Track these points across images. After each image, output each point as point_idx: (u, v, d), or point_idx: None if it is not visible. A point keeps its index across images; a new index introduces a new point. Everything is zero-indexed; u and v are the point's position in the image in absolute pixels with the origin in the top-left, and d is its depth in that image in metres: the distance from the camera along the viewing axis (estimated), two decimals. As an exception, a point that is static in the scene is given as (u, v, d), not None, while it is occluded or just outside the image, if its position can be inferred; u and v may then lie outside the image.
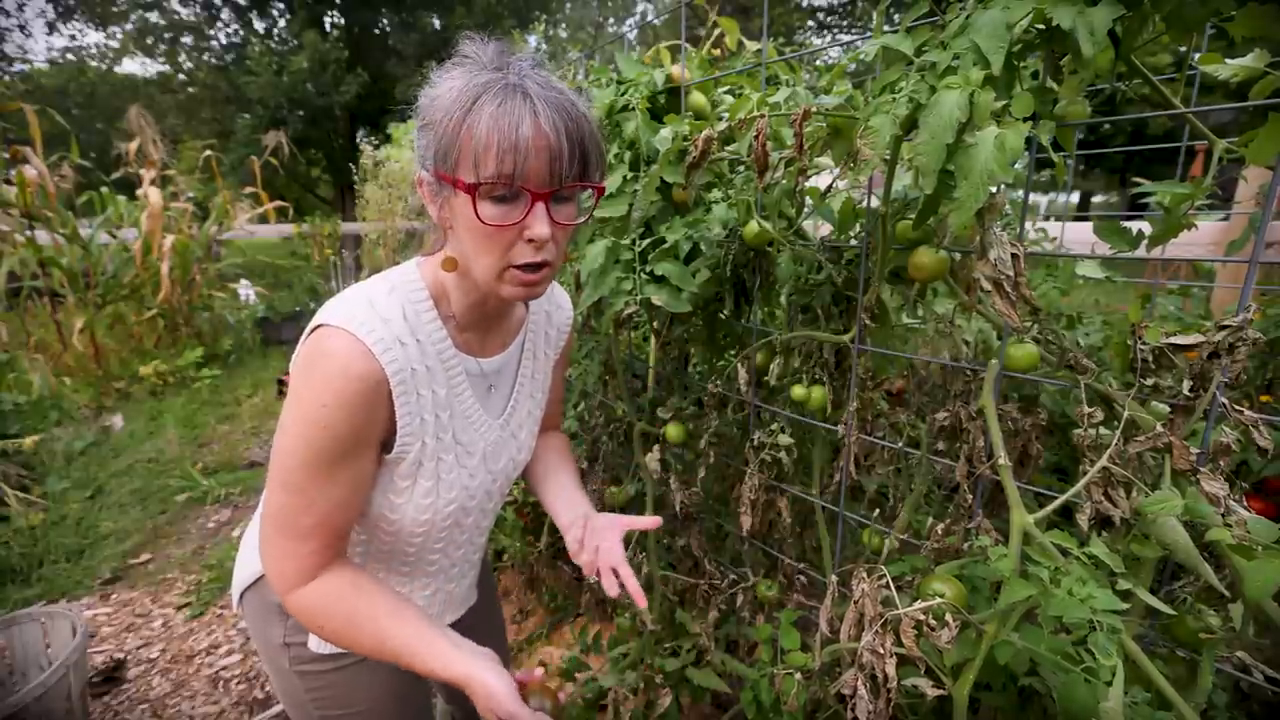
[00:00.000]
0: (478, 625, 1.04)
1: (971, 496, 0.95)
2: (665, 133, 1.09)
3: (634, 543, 1.37)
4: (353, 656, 0.89)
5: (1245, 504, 0.69)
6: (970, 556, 0.84)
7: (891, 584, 0.77)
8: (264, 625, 0.89)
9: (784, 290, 1.17)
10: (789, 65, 1.20)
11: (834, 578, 0.98)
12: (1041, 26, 0.65)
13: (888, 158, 0.78)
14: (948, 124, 0.62)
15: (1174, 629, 0.76)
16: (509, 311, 0.88)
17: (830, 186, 1.18)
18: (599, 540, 0.91)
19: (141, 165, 5.59)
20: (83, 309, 4.79)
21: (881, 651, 0.73)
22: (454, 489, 0.83)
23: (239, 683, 2.02)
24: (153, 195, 5.25)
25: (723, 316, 1.30)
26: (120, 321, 5.23)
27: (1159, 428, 0.71)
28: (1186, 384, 0.72)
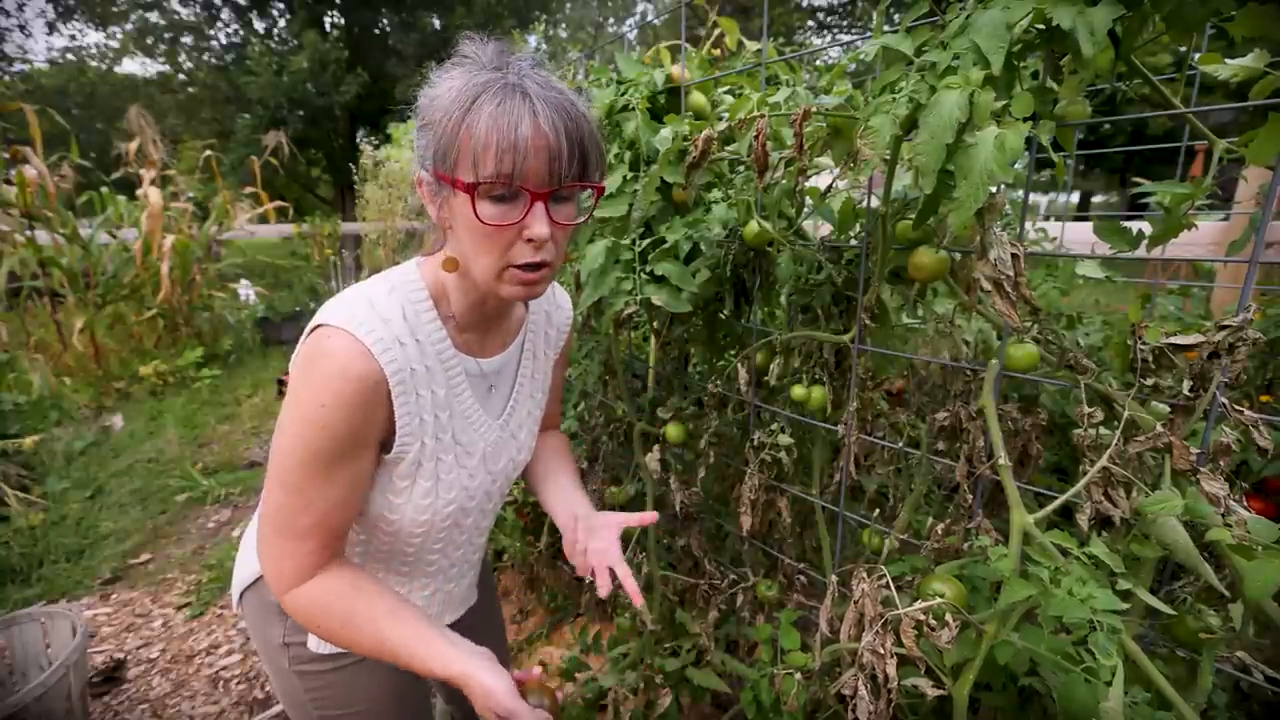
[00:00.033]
0: (477, 625, 1.04)
1: (971, 496, 0.95)
2: (665, 133, 1.09)
3: (634, 542, 1.37)
4: (352, 657, 0.89)
5: (1245, 504, 0.69)
6: (970, 556, 0.84)
7: (891, 584, 0.77)
8: (263, 625, 0.89)
9: (784, 290, 1.17)
10: (789, 65, 1.20)
11: (834, 578, 0.98)
12: (1041, 26, 0.65)
13: (888, 158, 0.78)
14: (948, 124, 0.62)
15: (1174, 629, 0.76)
16: (509, 311, 0.88)
17: (830, 186, 1.18)
18: (595, 540, 0.91)
19: (141, 165, 5.59)
20: (83, 309, 4.79)
21: (882, 652, 0.73)
22: (453, 489, 0.83)
23: (239, 683, 2.02)
24: (153, 195, 5.25)
25: (723, 316, 1.30)
26: (120, 321, 5.23)
27: (1159, 428, 0.71)
28: (1186, 384, 0.72)
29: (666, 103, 1.22)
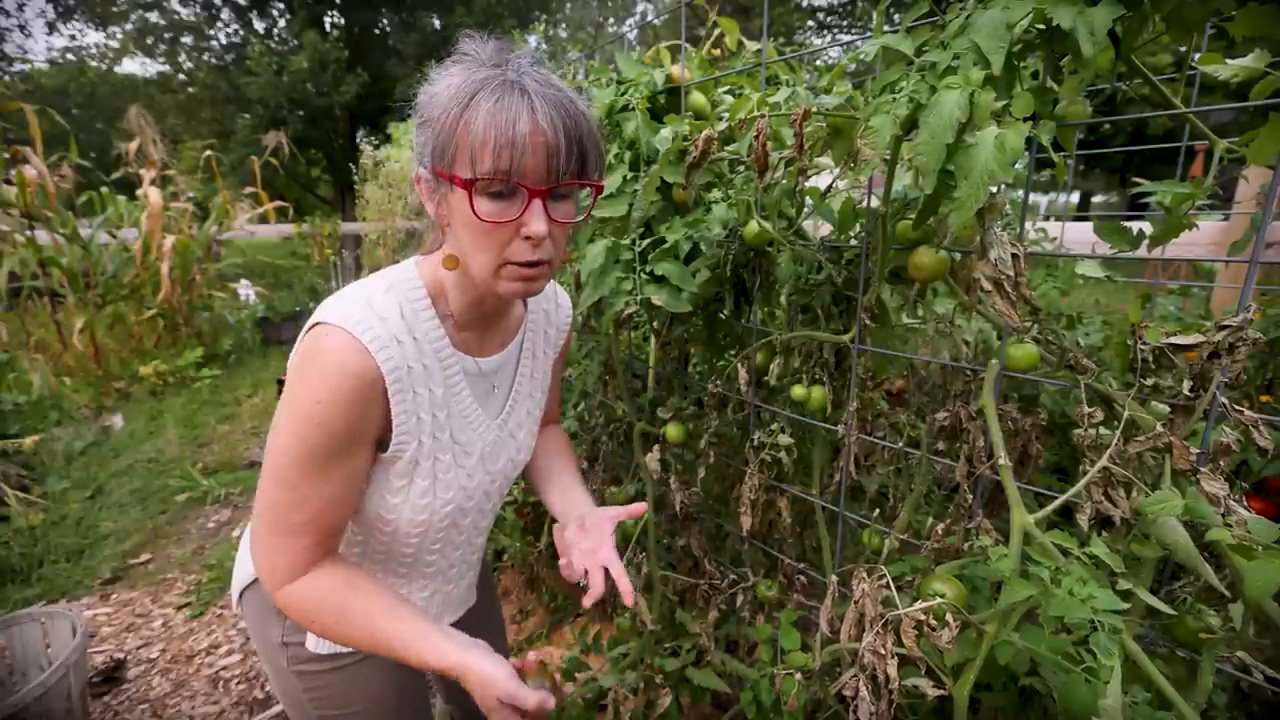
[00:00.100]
0: (477, 626, 1.04)
1: (971, 496, 0.95)
2: (665, 133, 1.09)
3: (634, 542, 1.37)
4: (351, 657, 0.89)
5: (1245, 504, 0.69)
6: (970, 556, 0.84)
7: (892, 584, 0.77)
8: (263, 625, 0.89)
9: (784, 290, 1.17)
10: (789, 65, 1.20)
11: (834, 578, 0.98)
12: (1041, 26, 0.65)
13: (888, 158, 0.78)
14: (948, 124, 0.62)
15: (1174, 629, 0.76)
16: (507, 310, 0.88)
17: (830, 186, 1.18)
18: (586, 539, 0.90)
19: (141, 165, 5.59)
20: (83, 309, 4.79)
21: (883, 652, 0.73)
22: (451, 489, 0.82)
23: (239, 683, 2.02)
24: (153, 195, 5.25)
25: (723, 316, 1.30)
26: (120, 321, 5.23)
27: (1159, 428, 0.71)
28: (1186, 384, 0.72)
29: (666, 103, 1.22)
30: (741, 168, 1.21)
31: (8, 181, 4.32)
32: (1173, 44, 0.74)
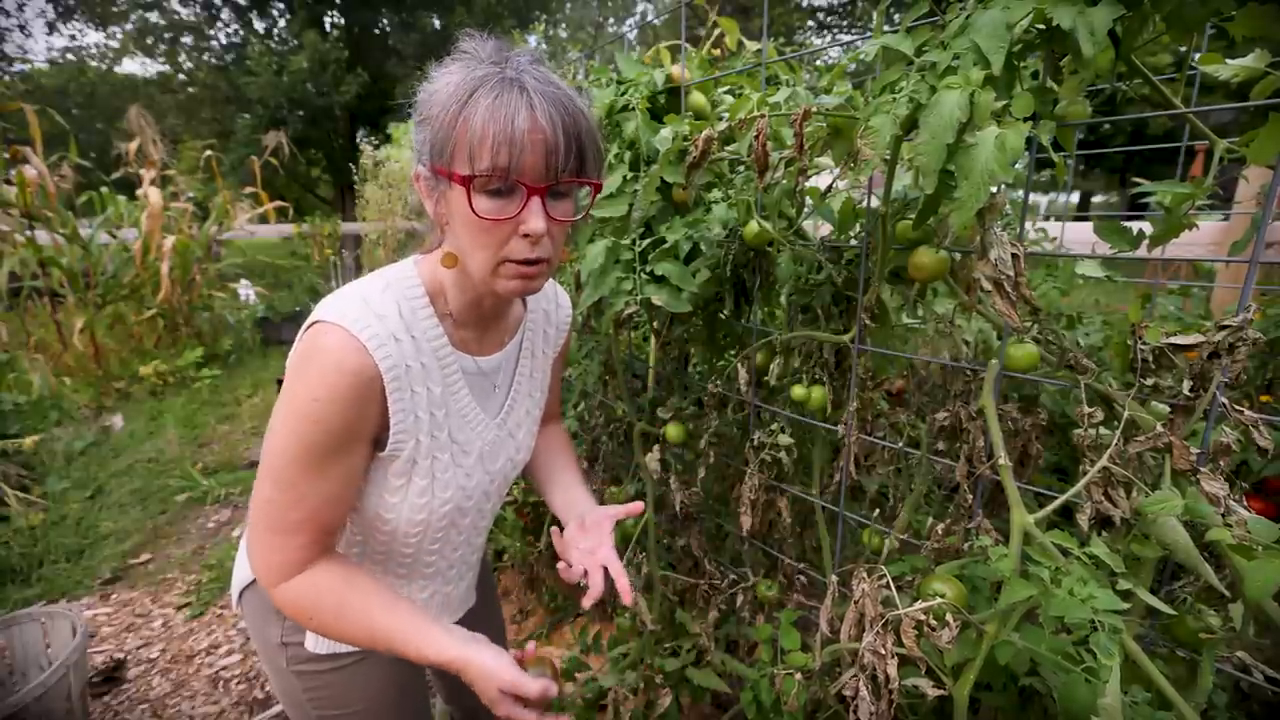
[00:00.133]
0: (477, 627, 1.03)
1: (971, 496, 0.95)
2: (665, 133, 1.09)
3: (634, 542, 1.37)
4: (350, 657, 0.89)
5: (1245, 504, 0.69)
6: (970, 556, 0.84)
7: (892, 584, 0.77)
8: (262, 624, 0.89)
9: (784, 290, 1.17)
10: (789, 65, 1.20)
11: (834, 578, 0.98)
12: (1041, 26, 0.65)
13: (888, 158, 0.78)
14: (948, 124, 0.62)
15: (1174, 629, 0.76)
16: (506, 309, 0.88)
17: (830, 186, 1.18)
18: (588, 541, 0.90)
19: (141, 165, 5.59)
20: (83, 309, 4.79)
21: (883, 652, 0.73)
22: (449, 488, 0.82)
23: (239, 683, 2.02)
24: (153, 195, 5.25)
25: (723, 316, 1.30)
26: (120, 321, 5.23)
27: (1159, 428, 0.71)
28: (1186, 384, 0.72)
29: (666, 103, 1.22)
30: (741, 168, 1.21)
31: (8, 181, 4.32)
32: (1173, 44, 0.74)
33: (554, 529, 0.94)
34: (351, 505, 0.78)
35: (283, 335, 6.24)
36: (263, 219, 7.37)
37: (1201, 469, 0.70)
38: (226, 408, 4.54)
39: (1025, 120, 0.63)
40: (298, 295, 7.25)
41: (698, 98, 1.20)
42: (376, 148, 5.94)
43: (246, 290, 6.85)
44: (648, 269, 1.08)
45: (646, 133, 1.11)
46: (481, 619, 1.10)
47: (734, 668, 1.30)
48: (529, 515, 2.21)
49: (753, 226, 1.06)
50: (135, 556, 2.71)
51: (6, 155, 4.39)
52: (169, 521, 3.01)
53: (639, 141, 1.11)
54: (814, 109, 0.88)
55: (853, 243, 1.07)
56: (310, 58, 15.51)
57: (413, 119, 0.73)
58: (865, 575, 0.80)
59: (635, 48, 1.72)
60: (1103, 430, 0.78)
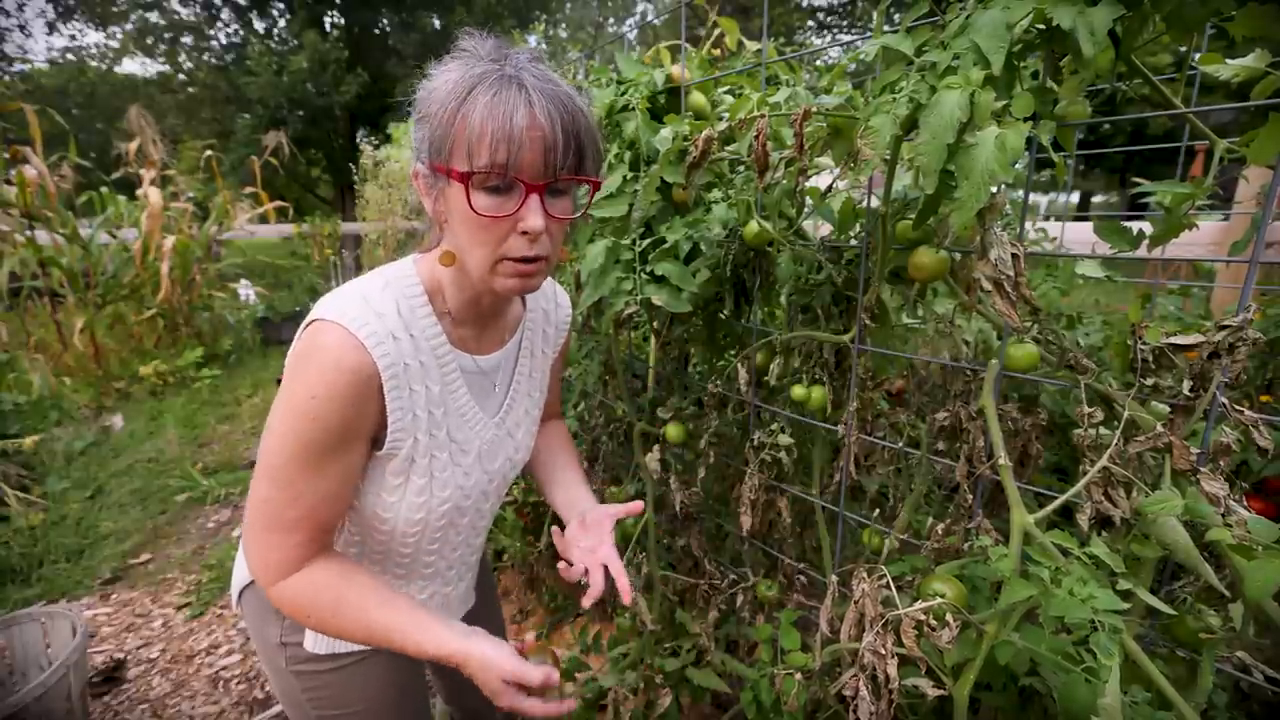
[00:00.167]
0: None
1: (971, 496, 0.95)
2: (665, 133, 1.09)
3: (634, 542, 1.37)
4: (350, 657, 0.89)
5: (1245, 504, 0.69)
6: (970, 556, 0.84)
7: (892, 584, 0.77)
8: (261, 624, 0.89)
9: (784, 290, 1.17)
10: (789, 65, 1.20)
11: (834, 578, 0.98)
12: (1042, 26, 0.65)
13: (888, 158, 0.78)
14: (948, 124, 0.62)
15: (1174, 629, 0.76)
16: (505, 308, 0.88)
17: (830, 186, 1.18)
18: (588, 540, 0.90)
19: (141, 165, 5.59)
20: (83, 309, 4.79)
21: (883, 652, 0.73)
22: (448, 488, 0.82)
23: (239, 683, 2.02)
24: (153, 195, 5.25)
25: (723, 316, 1.30)
26: (120, 321, 5.23)
27: (1159, 428, 0.71)
28: (1186, 384, 0.72)
29: (666, 103, 1.22)
30: (741, 168, 1.21)
31: (8, 181, 4.32)
32: (1173, 44, 0.74)
33: (555, 528, 0.94)
34: (349, 504, 0.78)
35: (283, 335, 6.24)
36: (263, 219, 7.37)
37: (1201, 469, 0.70)
38: (226, 408, 4.54)
39: (1025, 120, 0.63)
40: (298, 295, 7.25)
41: (698, 98, 1.20)
42: (376, 148, 5.94)
43: (246, 290, 6.85)
44: (648, 269, 1.08)
45: (646, 133, 1.11)
46: (481, 619, 1.09)
47: (734, 668, 1.30)
48: (529, 515, 2.21)
49: (753, 226, 1.06)
50: (135, 556, 2.71)
51: (6, 155, 4.39)
52: (169, 521, 3.01)
53: (639, 141, 1.11)
54: (814, 109, 0.88)
55: (853, 243, 1.07)
56: (310, 58, 15.50)
57: (412, 117, 0.73)
58: (865, 575, 0.80)
59: (635, 48, 1.73)
60: (1103, 430, 0.78)
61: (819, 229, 1.30)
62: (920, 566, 0.91)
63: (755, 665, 1.14)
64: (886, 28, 0.79)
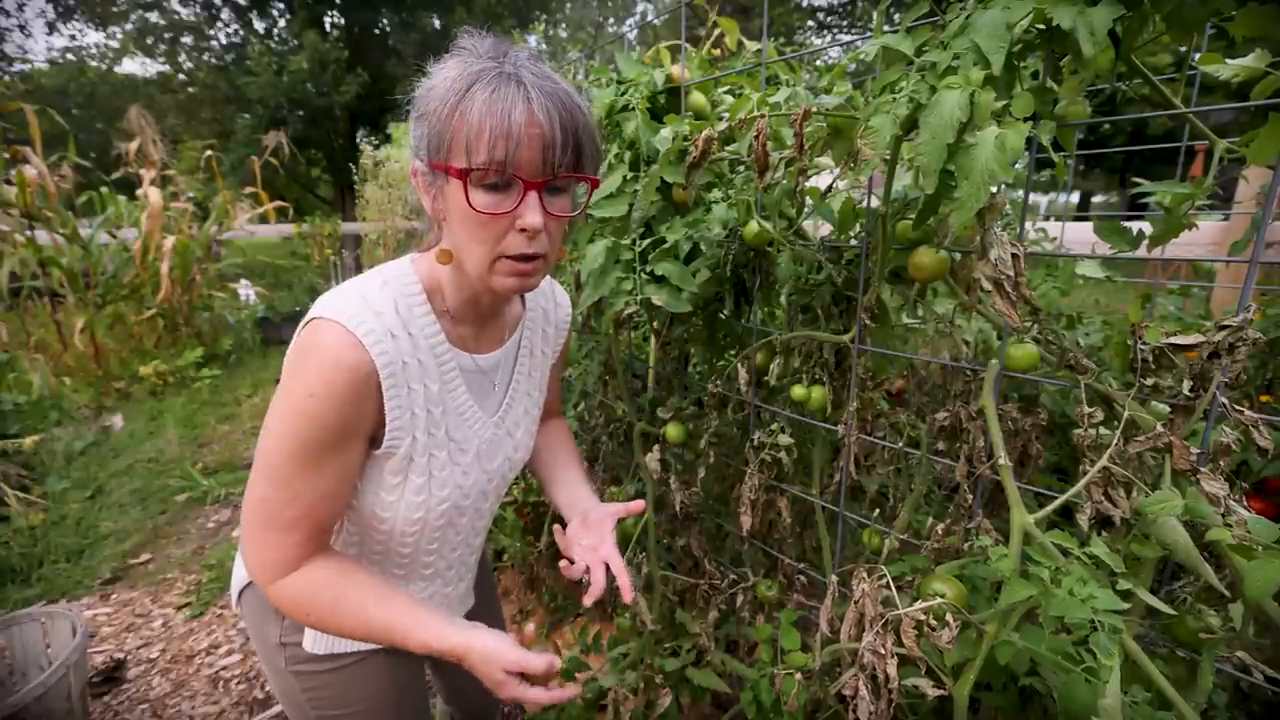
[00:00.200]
0: (477, 627, 1.04)
1: (971, 496, 0.95)
2: (665, 133, 1.09)
3: (634, 542, 1.37)
4: (350, 657, 0.89)
5: (1245, 504, 0.69)
6: (970, 556, 0.84)
7: (892, 584, 0.77)
8: (261, 624, 0.89)
9: (784, 290, 1.17)
10: (789, 65, 1.20)
11: (834, 578, 0.98)
12: (1042, 26, 0.65)
13: (888, 158, 0.78)
14: (948, 124, 0.62)
15: (1174, 629, 0.76)
16: (504, 307, 0.88)
17: (830, 186, 1.18)
18: (590, 538, 0.90)
19: (141, 165, 5.59)
20: (83, 309, 4.79)
21: (882, 652, 0.73)
22: (446, 487, 0.82)
23: (239, 683, 2.02)
24: (153, 195, 5.25)
25: (723, 316, 1.30)
26: (120, 321, 5.23)
27: (1159, 428, 0.71)
28: (1186, 384, 0.72)
29: (666, 103, 1.22)
30: (741, 168, 1.21)
31: (8, 181, 4.32)
32: (1173, 44, 0.74)
33: (556, 526, 0.94)
34: (347, 503, 0.78)
35: (283, 335, 6.23)
36: (263, 219, 7.37)
37: (1201, 469, 0.70)
38: (226, 408, 4.54)
39: (1025, 120, 0.63)
40: (298, 295, 7.25)
41: (698, 98, 1.20)
42: (376, 148, 5.94)
43: (246, 290, 6.85)
44: (648, 269, 1.08)
45: (646, 133, 1.11)
46: (481, 619, 1.08)
47: (734, 668, 1.30)
48: (529, 515, 2.21)
49: (753, 226, 1.06)
50: (135, 556, 2.71)
51: (6, 155, 4.39)
52: (169, 521, 3.01)
53: (639, 141, 1.11)
54: (814, 109, 0.88)
55: (853, 243, 1.07)
56: (310, 58, 15.49)
57: (411, 115, 0.73)
58: (865, 575, 0.80)
59: (635, 48, 1.73)
60: (1103, 430, 0.78)
61: (819, 229, 1.30)
62: (920, 566, 0.91)
63: (755, 665, 1.14)
64: (886, 28, 0.79)
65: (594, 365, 1.64)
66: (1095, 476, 0.73)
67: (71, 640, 1.71)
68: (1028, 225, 0.89)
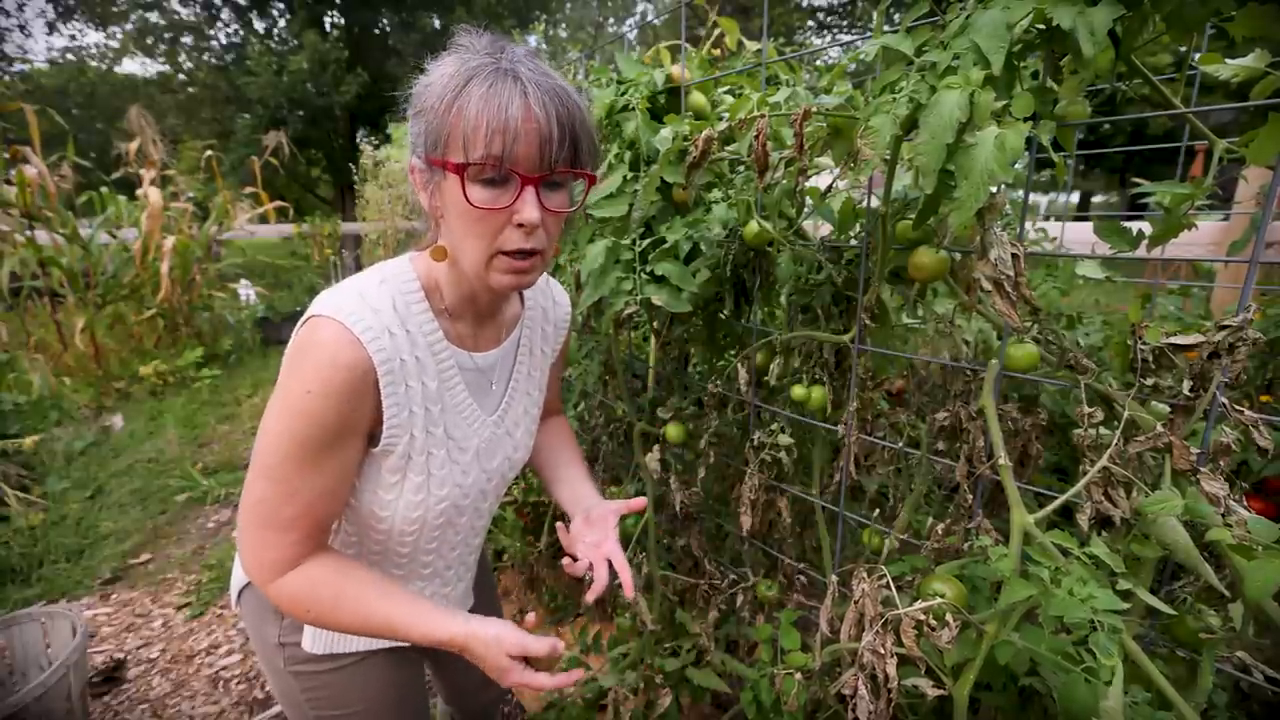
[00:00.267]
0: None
1: (971, 496, 0.95)
2: (665, 133, 1.09)
3: (634, 542, 1.37)
4: (349, 657, 0.89)
5: (1245, 504, 0.69)
6: (970, 556, 0.84)
7: (891, 584, 0.77)
8: (260, 624, 0.89)
9: (784, 290, 1.17)
10: (789, 65, 1.20)
11: (834, 578, 0.98)
12: (1041, 26, 0.65)
13: (888, 158, 0.78)
14: (948, 124, 0.62)
15: (1174, 629, 0.76)
16: (502, 305, 0.88)
17: (830, 186, 1.18)
18: (590, 533, 0.91)
19: (141, 165, 5.59)
20: (83, 309, 4.79)
21: (882, 652, 0.73)
22: (445, 485, 0.82)
23: (239, 683, 2.02)
24: (153, 195, 5.25)
25: (723, 316, 1.30)
26: (120, 321, 5.23)
27: (1159, 428, 0.71)
28: (1186, 384, 0.72)
29: (666, 103, 1.22)
30: (741, 168, 1.21)
31: (8, 181, 4.32)
32: (1173, 44, 0.74)
33: (559, 524, 0.95)
34: (345, 501, 0.78)
35: (283, 335, 6.22)
36: (263, 219, 7.37)
37: (1201, 469, 0.70)
38: (226, 408, 4.53)
39: (1025, 120, 0.63)
40: (298, 295, 7.25)
41: (698, 98, 1.20)
42: (376, 148, 5.93)
43: (246, 290, 6.85)
44: (648, 269, 1.08)
45: (646, 133, 1.11)
46: (481, 619, 1.10)
47: (734, 668, 1.30)
48: (529, 515, 2.21)
49: (753, 226, 1.06)
50: (135, 556, 2.71)
51: (6, 155, 4.39)
52: (169, 521, 3.01)
53: (639, 141, 1.11)
54: (814, 109, 0.88)
55: (853, 243, 1.07)
56: (310, 58, 15.49)
57: (408, 112, 0.73)
58: (865, 575, 0.80)
59: (635, 48, 1.73)
60: (1103, 430, 0.78)
61: (819, 229, 1.30)
62: (920, 566, 0.91)
63: (755, 665, 1.14)
64: (886, 28, 0.79)
65: (594, 365, 1.64)
66: (1095, 476, 0.73)
67: (71, 640, 1.71)
68: (1028, 225, 0.89)
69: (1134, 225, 0.82)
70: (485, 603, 1.13)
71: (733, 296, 1.25)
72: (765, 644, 1.17)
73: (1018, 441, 0.91)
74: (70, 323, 4.69)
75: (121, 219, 5.55)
